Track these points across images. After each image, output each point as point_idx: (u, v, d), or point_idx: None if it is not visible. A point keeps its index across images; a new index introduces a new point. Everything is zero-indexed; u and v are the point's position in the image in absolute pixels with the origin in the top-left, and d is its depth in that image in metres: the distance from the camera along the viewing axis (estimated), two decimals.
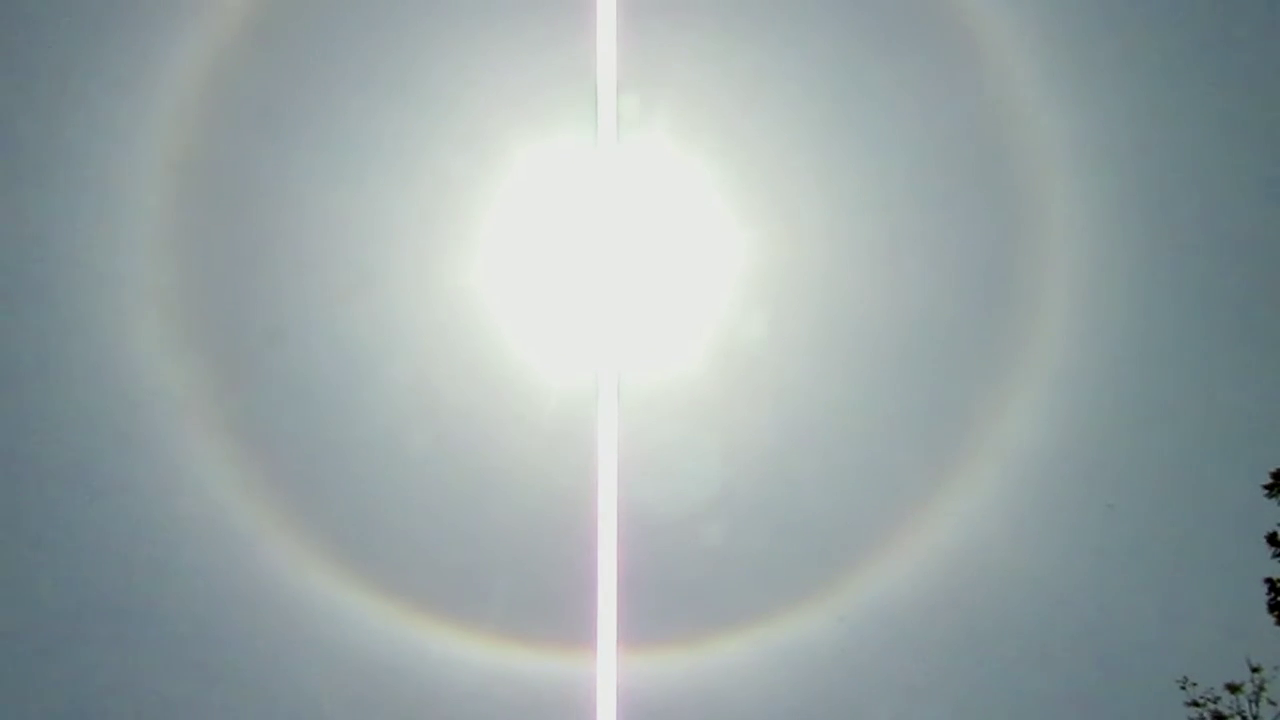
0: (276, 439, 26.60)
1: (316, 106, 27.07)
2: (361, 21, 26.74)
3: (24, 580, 25.55)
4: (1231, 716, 20.50)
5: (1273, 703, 20.40)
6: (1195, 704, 20.71)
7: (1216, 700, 20.63)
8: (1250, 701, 20.47)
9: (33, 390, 26.25)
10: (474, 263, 27.44)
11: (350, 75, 26.81)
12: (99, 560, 25.97)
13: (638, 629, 25.02)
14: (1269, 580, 20.62)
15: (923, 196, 26.72)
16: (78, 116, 26.68)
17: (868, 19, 26.58)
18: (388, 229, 26.98)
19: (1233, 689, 20.62)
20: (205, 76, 26.00)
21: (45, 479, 26.38)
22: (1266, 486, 20.91)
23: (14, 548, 25.87)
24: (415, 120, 27.02)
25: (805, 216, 27.28)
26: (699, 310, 27.69)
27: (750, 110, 27.43)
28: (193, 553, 25.76)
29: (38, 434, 25.94)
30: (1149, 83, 25.09)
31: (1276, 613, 20.52)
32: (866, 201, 26.97)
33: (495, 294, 27.39)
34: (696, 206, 27.89)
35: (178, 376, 26.62)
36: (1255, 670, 20.59)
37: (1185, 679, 20.82)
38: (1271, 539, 20.84)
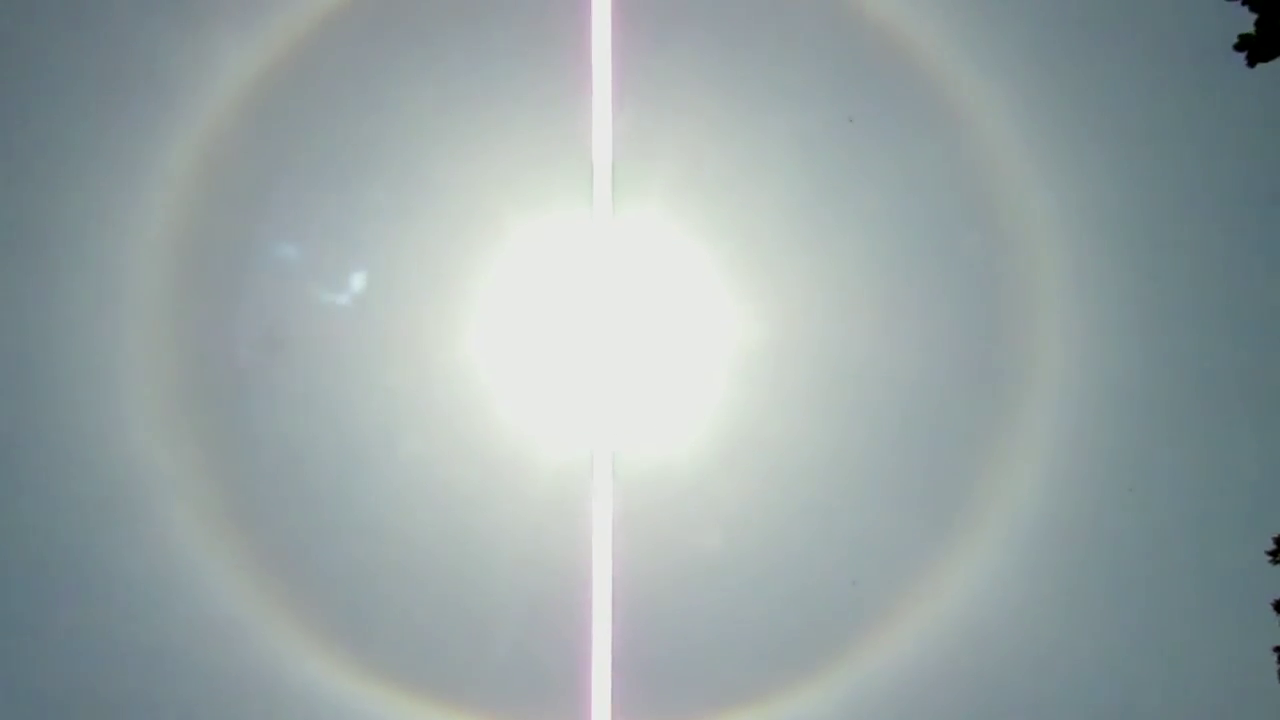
0: (266, 517, 26.39)
1: (309, 187, 27.35)
2: (356, 101, 27.12)
3: (8, 669, 25.19)
4: None
5: None
6: None
7: None
8: None
9: (19, 473, 26.15)
10: (468, 338, 27.47)
11: (345, 154, 27.11)
12: (87, 648, 25.62)
13: (633, 708, 24.56)
14: (1278, 649, 20.17)
15: (918, 273, 26.82)
16: (69, 199, 26.97)
17: (863, 99, 26.94)
18: (381, 306, 27.07)
19: None
20: (196, 162, 26.30)
21: (33, 562, 26.14)
22: (1271, 553, 20.57)
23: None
24: (409, 197, 27.27)
25: (801, 293, 27.35)
26: (694, 385, 27.63)
27: (746, 187, 27.67)
28: (178, 635, 25.41)
29: (20, 514, 25.76)
30: (1144, 161, 25.35)
31: None
32: (862, 278, 27.06)
33: (490, 369, 27.38)
34: (692, 282, 27.99)
35: (169, 458, 26.50)
36: None
37: None
38: (1278, 607, 20.43)
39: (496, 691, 25.30)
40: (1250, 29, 15.68)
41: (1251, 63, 15.91)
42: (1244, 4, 15.61)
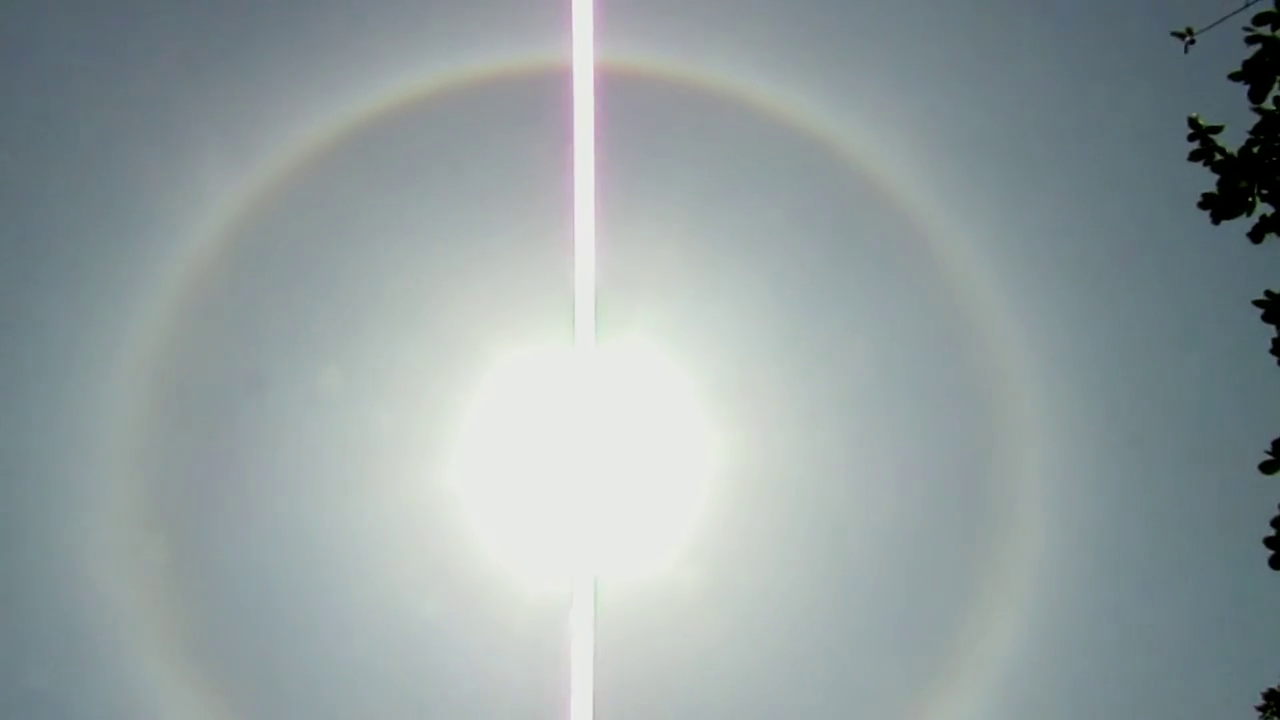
0: (236, 650, 26.10)
1: (290, 319, 27.50)
2: (333, 228, 27.38)
3: None
4: None
5: None
6: None
7: None
8: None
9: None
10: (449, 468, 27.43)
11: (323, 283, 27.30)
12: None
13: None
14: None
15: (901, 405, 26.91)
16: (49, 324, 27.04)
17: (842, 230, 27.24)
18: (359, 435, 27.07)
19: None
20: (179, 293, 26.44)
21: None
22: (1260, 708, 20.36)
23: None
24: (391, 327, 27.41)
25: (782, 423, 27.41)
26: (675, 516, 27.54)
27: (728, 317, 27.86)
28: None
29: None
30: (1120, 302, 25.59)
31: None
32: (843, 408, 27.14)
33: (469, 499, 27.31)
34: (673, 412, 28.04)
35: (136, 598, 26.26)
36: None
37: None
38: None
39: None
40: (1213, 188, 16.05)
41: (1216, 220, 16.25)
42: (1204, 165, 15.97)
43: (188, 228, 26.73)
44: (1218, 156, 13.71)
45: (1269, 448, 13.28)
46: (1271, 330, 13.15)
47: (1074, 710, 23.08)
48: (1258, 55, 12.34)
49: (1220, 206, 14.98)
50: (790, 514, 26.30)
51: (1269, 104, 12.68)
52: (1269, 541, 17.72)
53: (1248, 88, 12.63)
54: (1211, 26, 12.79)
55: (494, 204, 26.82)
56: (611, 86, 22.99)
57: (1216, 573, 23.06)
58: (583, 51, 23.41)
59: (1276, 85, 12.66)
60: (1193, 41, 13.02)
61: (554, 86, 23.34)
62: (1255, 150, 13.03)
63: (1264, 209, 13.36)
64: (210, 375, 27.30)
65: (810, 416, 26.25)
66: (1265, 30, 12.30)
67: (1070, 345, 24.84)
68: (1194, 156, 13.80)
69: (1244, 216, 13.58)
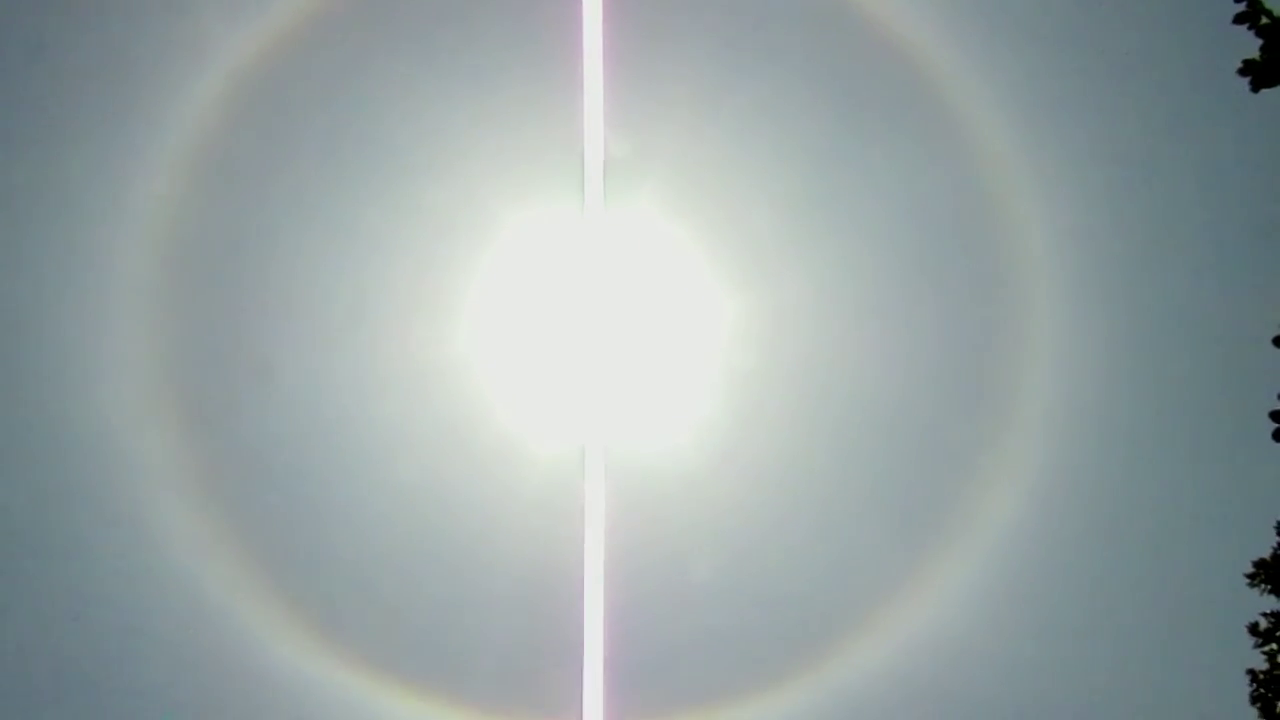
0: (256, 511, 26.67)
1: (301, 179, 27.22)
2: (347, 94, 26.89)
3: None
4: None
5: None
6: None
7: None
8: None
9: (23, 467, 26.35)
10: (461, 334, 27.56)
11: (337, 146, 26.93)
12: (70, 627, 25.98)
13: (624, 699, 25.03)
14: (1251, 672, 20.58)
15: (908, 268, 26.82)
16: (65, 160, 26.80)
17: (855, 92, 26.71)
18: (372, 301, 27.10)
19: None
20: (186, 148, 26.10)
21: (19, 546, 26.43)
22: (1249, 576, 20.88)
23: None
24: (400, 191, 27.16)
25: (792, 287, 27.38)
26: (685, 381, 27.78)
27: (737, 180, 27.56)
28: (169, 625, 25.80)
29: (11, 503, 26.02)
30: (1135, 168, 25.20)
31: (1259, 704, 20.47)
32: (852, 272, 27.09)
33: (482, 365, 27.51)
34: (683, 276, 28.01)
35: (158, 446, 26.69)
36: None
37: None
38: (1253, 629, 20.81)
39: (490, 684, 25.79)
40: (1255, 54, 15.54)
41: (1255, 88, 15.79)
42: (1250, 29, 15.35)
43: (194, 82, 26.26)
44: (1264, 20, 13.17)
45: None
46: None
47: (1068, 579, 23.72)
48: None
49: (1261, 73, 14.38)
50: (798, 381, 26.55)
51: None
52: (1274, 415, 17.85)
53: None
54: None
55: (504, 66, 26.28)
56: None
57: (1214, 449, 23.37)
58: None
59: None
60: None
61: None
62: None
63: None
64: (219, 233, 27.19)
65: (821, 285, 26.24)
66: None
67: (1088, 220, 24.60)
68: (1239, 19, 13.20)
69: None
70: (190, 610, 25.43)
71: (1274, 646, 20.70)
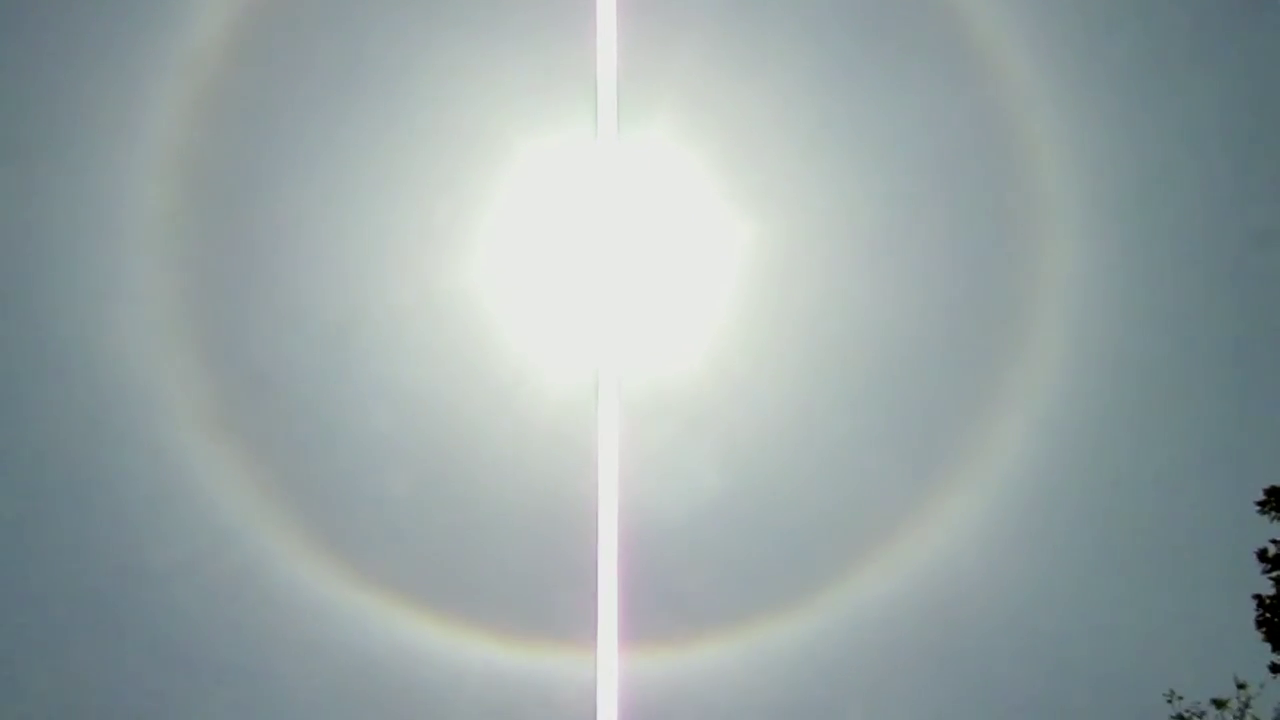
0: (271, 437, 26.87)
1: (312, 103, 27.03)
2: (357, 19, 26.62)
3: (11, 576, 25.89)
4: None
5: (1257, 718, 20.75)
6: (1181, 717, 21.03)
7: (1202, 715, 20.95)
8: (1235, 717, 20.81)
9: (20, 384, 26.51)
10: (473, 261, 27.55)
11: (347, 73, 26.73)
12: (87, 554, 26.31)
13: (638, 626, 25.39)
14: (1258, 596, 20.86)
15: (924, 194, 26.71)
16: (73, 95, 26.64)
17: (870, 14, 26.40)
18: (384, 227, 27.07)
19: (1218, 704, 20.92)
20: (198, 76, 25.92)
21: (34, 473, 26.66)
22: (1260, 503, 21.07)
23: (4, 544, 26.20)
24: (413, 117, 27.00)
25: (806, 213, 27.30)
26: (699, 308, 27.83)
27: (751, 106, 27.34)
28: (190, 550, 26.10)
29: (25, 428, 26.23)
30: (1151, 86, 24.96)
31: (1264, 629, 20.78)
32: (867, 198, 26.98)
33: (494, 293, 27.54)
34: (697, 203, 27.91)
35: (171, 371, 26.83)
36: (1241, 686, 20.89)
37: (1171, 692, 21.14)
38: (1262, 555, 21.05)
39: (504, 607, 26.15)
40: None
41: None
42: None
43: (204, 9, 26.00)
44: None
45: None
46: None
47: (1077, 507, 23.90)
48: None
49: None
50: (812, 309, 26.58)
51: None
52: None
53: None
54: None
55: None
56: None
57: (1227, 378, 23.43)
58: None
59: None
60: None
61: None
62: None
63: None
64: (231, 161, 27.09)
65: (835, 211, 26.16)
66: None
67: (1106, 141, 24.38)
68: None
69: None
70: (206, 534, 25.75)
71: None
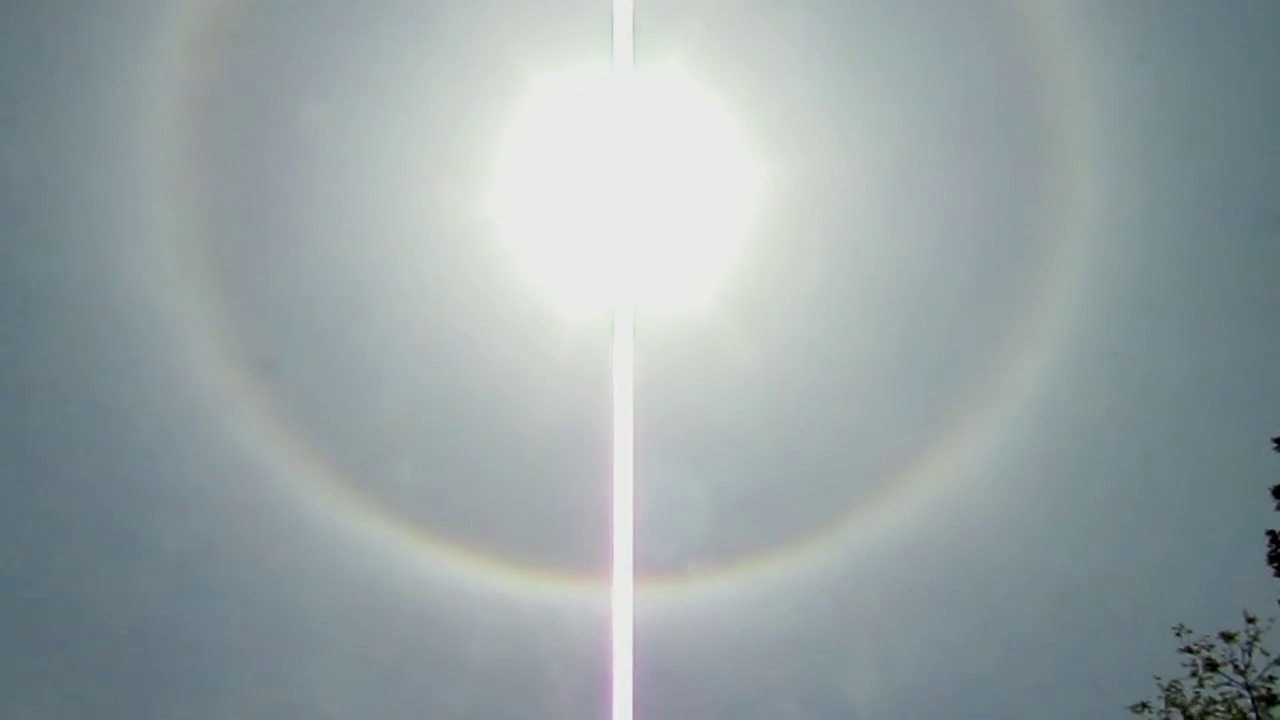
0: (292, 368, 27.06)
1: (328, 34, 26.88)
2: None
3: (29, 502, 26.26)
4: (1224, 664, 20.97)
5: (1265, 653, 20.85)
6: (1190, 650, 21.18)
7: (1211, 648, 21.09)
8: (1244, 651, 20.93)
9: (38, 314, 26.74)
10: (489, 194, 27.51)
11: (364, 12, 26.56)
12: (100, 477, 26.63)
13: (652, 557, 25.62)
14: (1271, 532, 20.89)
15: (944, 136, 26.46)
16: (94, 80, 26.60)
17: None
18: (401, 160, 27.01)
19: (1227, 637, 21.05)
20: (212, 10, 25.79)
21: (50, 402, 26.95)
22: (1276, 440, 21.03)
23: (19, 468, 26.57)
24: (428, 50, 26.83)
25: (824, 146, 27.09)
26: (715, 241, 27.75)
27: (769, 36, 27.06)
28: (208, 482, 26.43)
29: (41, 358, 26.49)
30: (1176, 18, 24.56)
31: (1276, 564, 20.84)
32: (885, 135, 26.73)
33: (510, 226, 27.52)
34: (713, 134, 27.72)
35: (192, 307, 26.98)
36: (1251, 620, 20.99)
37: (1181, 626, 21.27)
38: (1276, 491, 21.03)
39: (521, 539, 26.43)
40: None
41: None
42: None
43: None
44: None
45: None
46: None
47: (1090, 446, 23.89)
48: None
49: None
50: (828, 246, 26.48)
51: None
52: None
53: None
54: None
55: None
56: None
57: (1245, 319, 23.23)
58: None
59: None
60: None
61: None
62: None
63: None
64: (245, 95, 27.03)
65: (853, 147, 25.97)
66: None
67: (1129, 86, 24.05)
68: None
69: None
70: (224, 463, 26.05)
71: None
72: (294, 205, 27.47)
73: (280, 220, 27.74)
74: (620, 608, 24.97)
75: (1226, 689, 20.88)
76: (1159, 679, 21.14)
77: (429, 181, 27.09)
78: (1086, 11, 24.18)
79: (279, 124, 27.29)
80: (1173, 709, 21.06)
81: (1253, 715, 20.75)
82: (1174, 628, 21.30)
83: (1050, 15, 24.51)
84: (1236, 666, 20.92)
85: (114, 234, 27.05)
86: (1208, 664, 21.01)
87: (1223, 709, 20.92)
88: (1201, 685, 21.03)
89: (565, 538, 25.94)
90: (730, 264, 27.51)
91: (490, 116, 27.33)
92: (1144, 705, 21.11)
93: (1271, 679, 20.81)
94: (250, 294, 27.40)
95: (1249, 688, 20.80)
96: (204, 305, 27.14)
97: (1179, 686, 21.09)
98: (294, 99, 27.20)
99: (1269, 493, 21.14)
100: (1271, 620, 20.90)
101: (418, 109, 27.28)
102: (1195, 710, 20.97)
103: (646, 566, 25.23)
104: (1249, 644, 20.94)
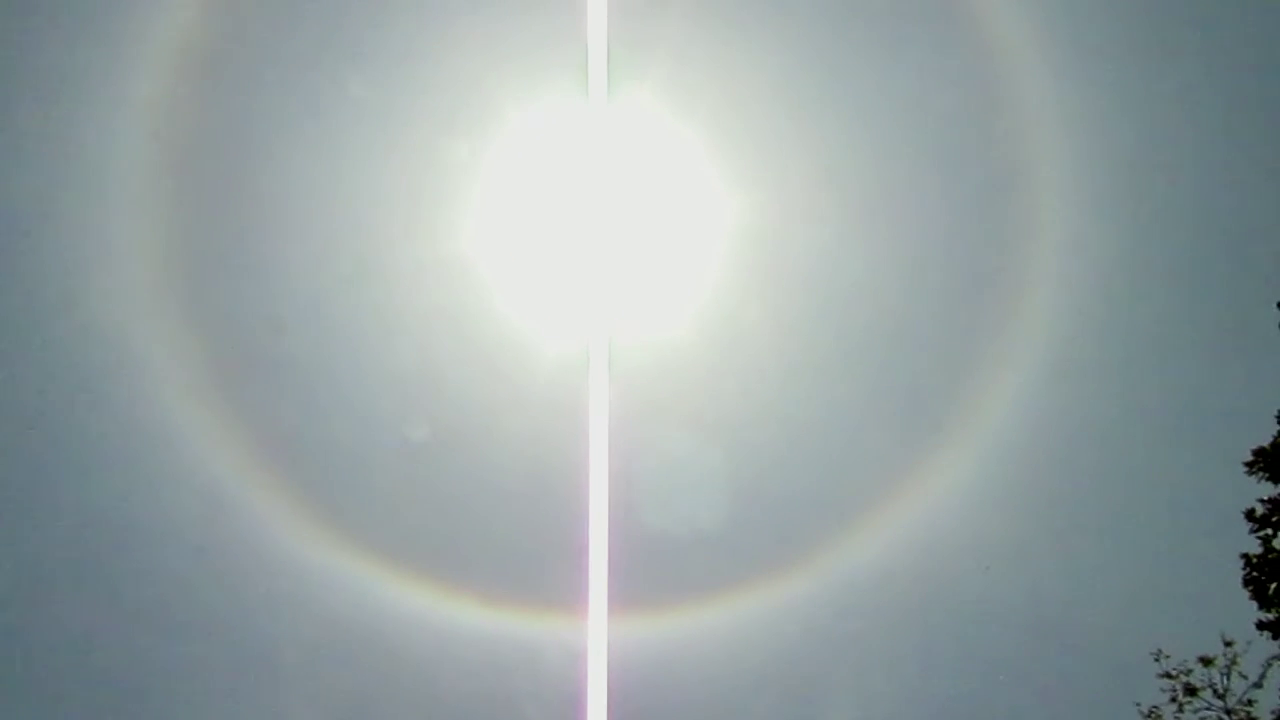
0: (262, 401, 26.84)
1: (303, 65, 26.97)
2: None
3: (8, 543, 25.87)
4: (1203, 689, 20.93)
5: (1243, 676, 20.82)
6: (1168, 675, 21.13)
7: (1189, 673, 21.06)
8: (1222, 675, 20.90)
9: (26, 362, 26.48)
10: (464, 229, 27.51)
11: (336, 40, 26.67)
12: (69, 511, 26.26)
13: (627, 591, 25.41)
14: (1246, 556, 20.93)
15: (915, 165, 26.70)
16: (67, 101, 26.60)
17: None
18: (376, 196, 27.02)
19: (1205, 662, 21.03)
20: (190, 48, 25.85)
21: (18, 429, 26.62)
22: (1248, 464, 21.15)
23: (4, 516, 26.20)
24: (403, 85, 26.94)
25: (796, 182, 27.28)
26: (689, 277, 27.81)
27: (742, 72, 27.32)
28: (179, 517, 26.10)
29: (29, 405, 26.21)
30: (1146, 54, 24.97)
31: (1251, 587, 20.87)
32: (858, 168, 26.95)
33: (485, 260, 27.51)
34: (688, 171, 27.88)
35: (160, 340, 26.78)
36: (1228, 644, 20.98)
37: (1159, 651, 21.24)
38: (1250, 515, 21.12)
39: (494, 576, 26.16)
40: None
41: None
42: None
43: None
44: None
45: None
46: None
47: (1063, 473, 23.91)
48: None
49: None
50: (802, 278, 26.57)
51: None
52: None
53: None
54: None
55: None
56: None
57: (1216, 342, 23.39)
58: None
59: None
60: None
61: None
62: None
63: None
64: (217, 128, 27.03)
65: (825, 179, 26.15)
66: None
67: (1098, 116, 24.36)
68: None
69: None
70: (195, 499, 25.73)
71: (1269, 532, 21.05)
72: (268, 235, 27.40)
73: (254, 250, 27.65)
74: (595, 642, 24.73)
75: (1206, 713, 20.85)
76: (1139, 705, 21.08)
77: (403, 213, 27.11)
78: (1058, 43, 24.55)
79: (253, 155, 27.29)
80: None
81: None
82: (1152, 653, 21.27)
83: (1022, 47, 24.85)
84: (1215, 691, 20.88)
85: (84, 261, 26.89)
86: (1187, 689, 20.96)
87: None
88: (1181, 710, 20.98)
89: (539, 571, 25.72)
90: (705, 296, 27.58)
91: (465, 149, 27.43)
92: None
93: (1250, 703, 20.79)
94: (223, 323, 27.24)
95: (1228, 712, 20.76)
96: (176, 340, 26.96)
97: (1158, 712, 21.04)
98: (268, 130, 27.23)
99: (1243, 516, 21.23)
100: (1249, 644, 20.90)
101: (392, 141, 27.35)
102: None
103: (621, 600, 25.03)
104: (1227, 668, 20.92)
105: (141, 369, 26.61)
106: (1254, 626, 20.68)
